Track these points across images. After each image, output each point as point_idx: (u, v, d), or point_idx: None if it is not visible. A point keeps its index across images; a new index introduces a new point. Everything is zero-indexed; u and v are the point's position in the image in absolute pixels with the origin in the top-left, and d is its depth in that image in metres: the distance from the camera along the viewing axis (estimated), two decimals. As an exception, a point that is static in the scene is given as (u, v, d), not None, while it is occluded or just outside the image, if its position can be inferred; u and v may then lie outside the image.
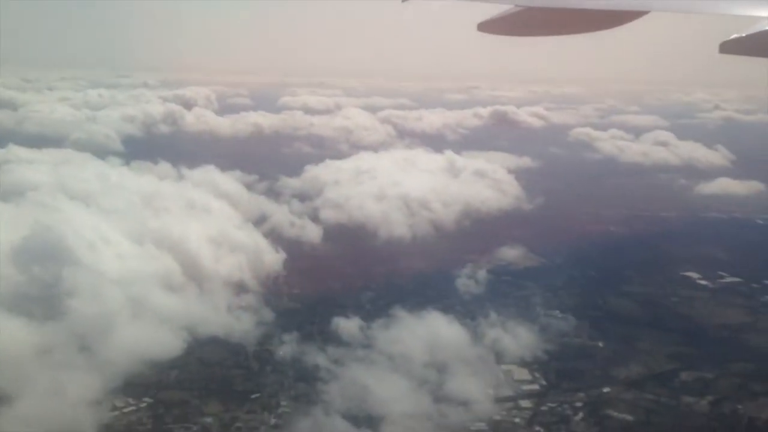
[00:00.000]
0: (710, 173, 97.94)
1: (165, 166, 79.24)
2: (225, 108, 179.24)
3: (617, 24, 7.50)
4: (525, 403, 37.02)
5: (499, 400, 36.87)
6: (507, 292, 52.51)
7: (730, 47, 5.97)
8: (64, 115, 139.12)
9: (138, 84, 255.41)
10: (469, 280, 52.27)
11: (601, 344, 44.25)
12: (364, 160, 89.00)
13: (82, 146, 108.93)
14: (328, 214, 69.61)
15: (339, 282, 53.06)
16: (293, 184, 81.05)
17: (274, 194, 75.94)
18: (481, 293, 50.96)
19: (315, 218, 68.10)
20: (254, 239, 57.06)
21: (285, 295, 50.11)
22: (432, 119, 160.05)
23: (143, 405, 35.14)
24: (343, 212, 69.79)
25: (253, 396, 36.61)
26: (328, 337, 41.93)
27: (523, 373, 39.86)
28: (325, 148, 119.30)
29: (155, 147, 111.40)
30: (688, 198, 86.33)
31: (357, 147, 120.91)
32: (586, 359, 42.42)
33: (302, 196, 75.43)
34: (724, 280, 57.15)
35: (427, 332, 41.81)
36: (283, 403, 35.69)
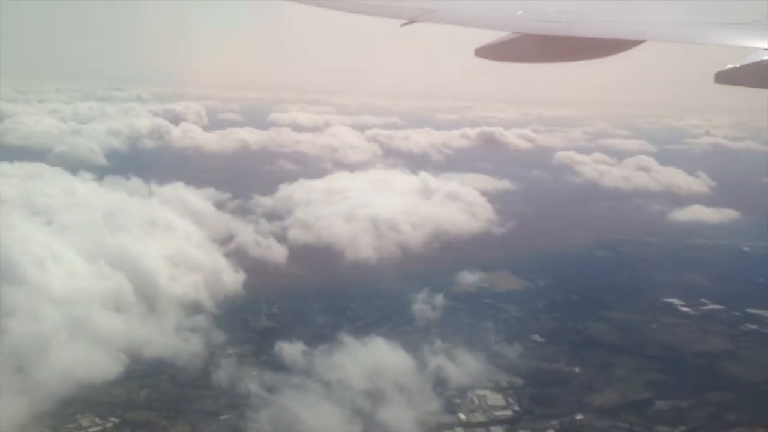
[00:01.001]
0: (686, 200, 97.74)
1: (137, 182, 78.93)
2: (215, 123, 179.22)
3: (613, 53, 7.56)
4: (496, 430, 37.05)
5: (470, 425, 36.91)
6: (488, 315, 52.78)
7: (726, 77, 6.00)
8: (49, 127, 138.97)
9: (131, 97, 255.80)
10: (425, 305, 51.88)
11: (578, 370, 44.17)
12: (338, 180, 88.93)
13: (64, 160, 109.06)
14: (296, 234, 69.43)
15: (295, 304, 52.77)
16: (266, 203, 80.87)
17: (245, 213, 75.79)
18: (437, 317, 50.71)
19: (282, 238, 67.86)
20: (214, 259, 56.77)
21: (238, 316, 49.81)
22: (418, 139, 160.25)
23: (109, 425, 35.09)
24: (311, 233, 69.57)
25: (221, 417, 36.38)
26: (269, 362, 41.55)
27: (497, 399, 39.75)
28: (309, 166, 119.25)
29: (136, 162, 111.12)
30: (661, 224, 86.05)
31: (341, 165, 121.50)
32: (562, 385, 42.30)
33: (272, 216, 75.24)
34: (705, 307, 57.12)
35: (374, 358, 41.49)
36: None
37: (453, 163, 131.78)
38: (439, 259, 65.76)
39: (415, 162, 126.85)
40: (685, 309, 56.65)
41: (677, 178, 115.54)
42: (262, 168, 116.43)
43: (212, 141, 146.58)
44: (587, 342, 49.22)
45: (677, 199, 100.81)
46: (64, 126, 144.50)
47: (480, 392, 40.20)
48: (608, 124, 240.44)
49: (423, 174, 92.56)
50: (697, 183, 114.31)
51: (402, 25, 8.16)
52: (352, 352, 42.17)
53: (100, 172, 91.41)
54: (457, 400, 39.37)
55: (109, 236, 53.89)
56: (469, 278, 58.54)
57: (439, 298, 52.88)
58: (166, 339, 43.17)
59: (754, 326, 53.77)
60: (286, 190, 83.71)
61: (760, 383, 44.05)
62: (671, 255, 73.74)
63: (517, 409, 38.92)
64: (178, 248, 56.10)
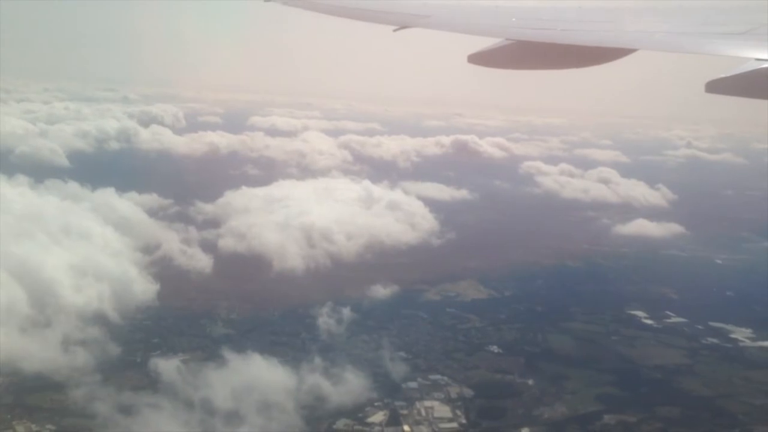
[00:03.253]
0: (637, 213, 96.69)
1: (73, 186, 78.18)
2: (194, 126, 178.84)
3: (606, 61, 7.59)
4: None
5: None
6: (449, 324, 53.41)
7: (716, 87, 5.93)
8: (15, 128, 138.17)
9: (117, 98, 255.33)
10: (329, 318, 51.08)
11: (531, 382, 43.98)
12: (282, 188, 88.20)
13: (24, 161, 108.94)
14: (226, 243, 68.70)
15: (207, 316, 52.00)
16: (207, 209, 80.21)
17: (182, 219, 75.05)
18: (349, 329, 50.13)
19: (212, 247, 67.08)
20: (127, 269, 55.92)
21: (141, 327, 49.14)
22: (391, 146, 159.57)
23: (44, 432, 34.63)
24: (242, 242, 68.79)
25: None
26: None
27: (445, 410, 39.50)
28: (273, 171, 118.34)
29: (92, 165, 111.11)
30: (606, 236, 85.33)
31: (306, 171, 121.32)
32: (513, 397, 42.13)
33: (209, 223, 74.64)
34: (669, 320, 57.30)
35: (255, 375, 40.76)
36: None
37: (418, 171, 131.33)
38: (365, 270, 64.93)
39: (381, 169, 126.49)
40: (649, 321, 56.83)
41: (636, 191, 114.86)
42: (223, 173, 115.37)
43: (180, 144, 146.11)
44: (545, 353, 49.14)
45: (629, 212, 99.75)
46: (31, 127, 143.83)
47: (428, 403, 40.08)
48: (593, 134, 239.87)
49: (366, 183, 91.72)
50: (656, 196, 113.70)
51: (394, 31, 8.37)
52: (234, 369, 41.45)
53: (53, 174, 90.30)
54: (404, 411, 39.21)
55: (15, 244, 53.05)
56: (380, 291, 57.72)
57: (362, 308, 53.16)
58: (49, 352, 42.32)
59: (715, 340, 53.76)
60: (228, 197, 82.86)
61: (712, 398, 44.14)
62: (642, 266, 73.70)
63: (463, 421, 38.68)
64: (90, 257, 55.35)
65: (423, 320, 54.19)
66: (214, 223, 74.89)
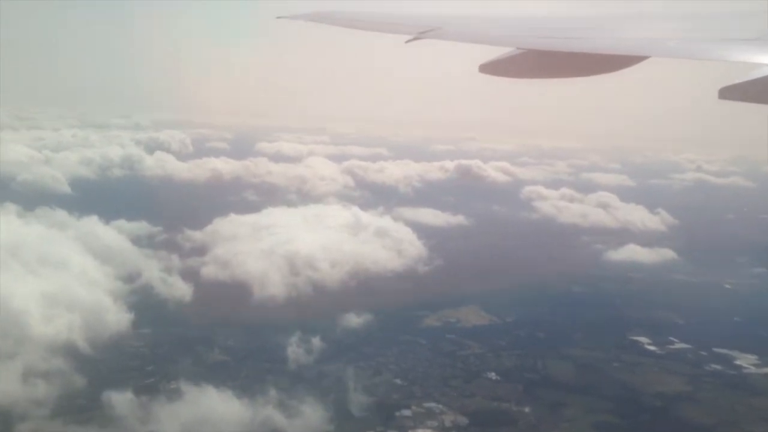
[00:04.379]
0: (632, 239, 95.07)
1: (61, 214, 78.51)
2: (201, 151, 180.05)
3: (617, 68, 7.58)
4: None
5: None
6: (448, 351, 53.08)
7: (730, 93, 5.86)
8: (20, 155, 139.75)
9: (128, 125, 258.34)
10: (298, 348, 50.40)
11: (527, 410, 43.50)
12: (271, 215, 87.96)
13: (26, 188, 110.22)
14: (209, 271, 68.49)
15: (180, 348, 51.33)
16: (195, 237, 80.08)
17: (168, 247, 74.92)
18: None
19: (193, 275, 66.74)
20: (100, 299, 55.69)
21: (110, 357, 48.75)
22: (393, 171, 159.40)
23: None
24: (225, 270, 68.52)
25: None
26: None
27: None
28: (272, 197, 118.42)
29: (93, 192, 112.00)
30: (596, 263, 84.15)
31: (306, 197, 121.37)
32: (508, 426, 41.77)
33: (193, 251, 74.49)
34: (673, 346, 56.62)
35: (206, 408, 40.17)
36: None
37: (418, 196, 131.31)
38: (347, 297, 64.23)
39: (380, 195, 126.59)
40: (652, 347, 56.16)
41: (635, 216, 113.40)
42: (221, 199, 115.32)
43: (183, 171, 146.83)
44: (543, 380, 48.56)
45: (624, 237, 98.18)
46: (36, 154, 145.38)
47: None
48: (601, 157, 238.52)
49: (354, 209, 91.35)
50: (655, 221, 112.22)
51: (407, 42, 8.38)
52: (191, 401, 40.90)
53: (53, 202, 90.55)
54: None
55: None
56: (353, 320, 56.91)
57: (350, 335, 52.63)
58: (7, 384, 42.00)
59: (719, 366, 52.96)
60: (217, 224, 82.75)
61: (713, 426, 43.43)
62: (649, 291, 72.83)
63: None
64: (65, 286, 55.20)
65: (421, 346, 53.84)
66: (199, 251, 74.74)
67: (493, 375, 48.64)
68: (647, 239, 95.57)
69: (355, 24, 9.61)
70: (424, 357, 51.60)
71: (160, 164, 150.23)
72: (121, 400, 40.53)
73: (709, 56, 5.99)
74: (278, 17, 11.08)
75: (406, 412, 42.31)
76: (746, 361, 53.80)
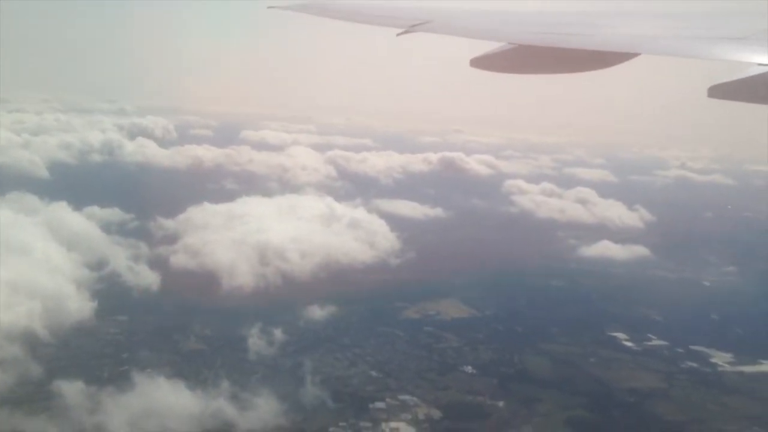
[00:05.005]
0: (603, 234, 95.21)
1: (31, 200, 77.73)
2: (185, 138, 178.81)
3: (608, 65, 7.61)
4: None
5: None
6: (426, 344, 53.08)
7: (719, 92, 5.90)
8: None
9: (113, 110, 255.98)
10: (258, 339, 50.16)
11: (501, 404, 43.64)
12: (245, 204, 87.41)
13: (1, 171, 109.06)
14: (178, 260, 68.01)
15: (139, 337, 50.96)
16: (167, 225, 79.48)
17: (138, 235, 74.26)
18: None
19: (162, 264, 66.27)
20: (63, 286, 55.19)
21: (70, 345, 48.41)
22: (376, 162, 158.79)
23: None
24: (194, 259, 68.08)
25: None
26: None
27: None
28: (253, 186, 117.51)
29: (71, 177, 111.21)
30: (568, 257, 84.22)
31: (286, 186, 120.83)
32: (481, 419, 41.82)
33: (164, 240, 73.94)
34: (650, 343, 56.90)
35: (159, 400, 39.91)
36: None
37: (398, 188, 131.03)
38: (316, 288, 63.93)
39: (361, 186, 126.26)
40: (629, 344, 56.33)
41: (612, 212, 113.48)
42: (199, 187, 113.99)
43: (164, 157, 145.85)
44: (519, 375, 48.73)
45: (601, 233, 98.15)
46: (15, 138, 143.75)
47: (394, 425, 39.97)
48: (587, 152, 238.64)
49: (329, 200, 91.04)
50: (633, 217, 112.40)
51: (398, 35, 8.32)
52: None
53: (29, 186, 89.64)
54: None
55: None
56: (318, 312, 56.64)
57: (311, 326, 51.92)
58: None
59: (694, 364, 53.25)
60: (190, 212, 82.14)
61: (684, 423, 43.76)
62: (629, 288, 72.91)
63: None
64: (27, 273, 54.60)
65: (399, 338, 53.77)
66: (170, 239, 74.16)
67: (469, 368, 48.80)
68: (623, 236, 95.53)
69: (347, 16, 9.65)
70: (401, 349, 51.66)
71: (140, 150, 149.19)
72: (71, 389, 40.16)
73: (699, 54, 6.03)
74: (269, 6, 11.01)
75: (380, 405, 42.42)
76: (722, 359, 54.20)
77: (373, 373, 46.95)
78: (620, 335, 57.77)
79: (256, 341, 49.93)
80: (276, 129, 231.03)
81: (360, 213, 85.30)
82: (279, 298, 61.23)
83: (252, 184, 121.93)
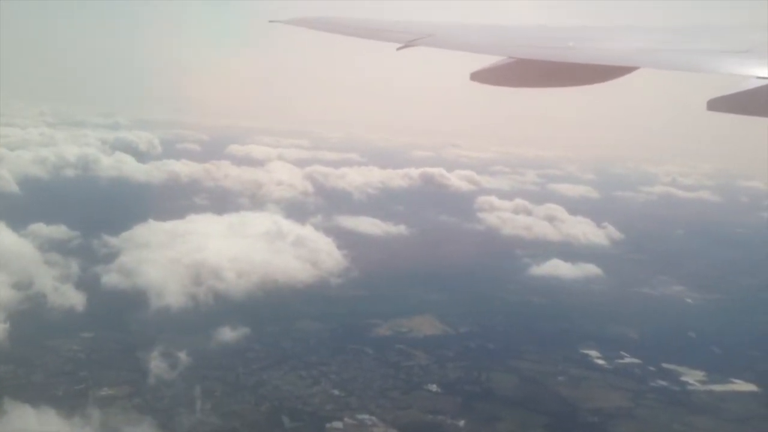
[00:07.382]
0: (553, 253, 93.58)
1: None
2: (170, 153, 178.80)
3: (608, 78, 7.65)
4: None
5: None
6: (394, 362, 52.63)
7: (719, 105, 5.82)
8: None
9: (106, 124, 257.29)
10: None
11: (462, 423, 43.11)
12: (192, 221, 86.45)
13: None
14: (109, 280, 67.04)
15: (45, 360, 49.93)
16: (111, 243, 78.54)
17: (76, 254, 73.32)
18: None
19: (92, 284, 65.34)
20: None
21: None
22: (354, 178, 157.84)
23: None
24: (126, 278, 67.02)
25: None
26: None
27: None
28: (222, 202, 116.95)
29: (37, 193, 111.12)
30: (517, 278, 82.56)
31: (259, 202, 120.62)
32: None
33: (103, 258, 73.03)
34: (622, 361, 56.33)
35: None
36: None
37: (368, 204, 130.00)
38: (251, 308, 62.76)
39: (333, 202, 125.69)
40: (600, 362, 55.78)
41: (578, 229, 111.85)
42: (170, 203, 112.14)
43: (140, 172, 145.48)
44: (484, 393, 48.14)
45: (556, 250, 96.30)
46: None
47: None
48: (578, 168, 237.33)
49: (276, 217, 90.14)
50: (599, 235, 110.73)
51: (398, 49, 8.27)
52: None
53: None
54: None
55: None
56: (228, 334, 55.39)
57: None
58: None
59: (664, 382, 52.61)
60: (135, 230, 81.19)
61: None
62: (608, 304, 72.55)
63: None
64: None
65: (367, 356, 53.31)
66: (110, 257, 73.16)
67: (434, 387, 48.33)
68: (581, 253, 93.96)
69: (347, 31, 9.64)
70: (367, 367, 51.09)
71: (117, 165, 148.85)
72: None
73: (698, 68, 6.07)
74: (271, 21, 10.81)
75: (338, 424, 41.92)
76: (693, 378, 53.68)
77: (335, 392, 46.49)
78: (593, 353, 57.37)
79: (158, 363, 48.83)
80: (265, 144, 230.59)
81: (308, 231, 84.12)
82: (209, 317, 60.09)
83: (223, 200, 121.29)
